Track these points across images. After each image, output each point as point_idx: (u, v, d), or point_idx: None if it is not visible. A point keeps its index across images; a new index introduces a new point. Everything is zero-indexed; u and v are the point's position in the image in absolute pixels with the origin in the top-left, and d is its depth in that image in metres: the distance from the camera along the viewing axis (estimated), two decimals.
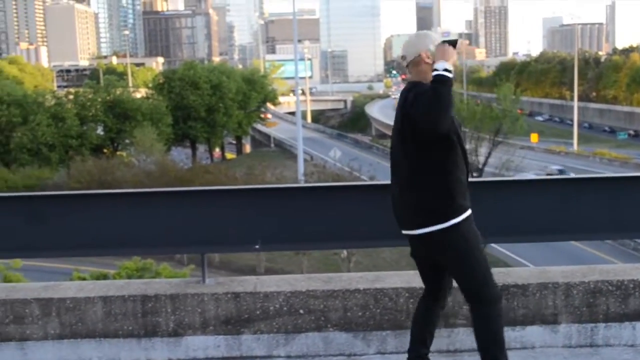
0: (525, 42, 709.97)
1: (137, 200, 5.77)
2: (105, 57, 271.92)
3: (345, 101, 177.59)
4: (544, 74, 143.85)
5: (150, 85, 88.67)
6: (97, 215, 5.55)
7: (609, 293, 5.11)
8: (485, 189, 5.71)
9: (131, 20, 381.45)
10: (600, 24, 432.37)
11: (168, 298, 5.08)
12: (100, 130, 70.81)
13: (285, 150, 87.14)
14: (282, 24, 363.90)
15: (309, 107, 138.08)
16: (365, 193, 5.92)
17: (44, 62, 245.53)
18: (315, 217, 5.51)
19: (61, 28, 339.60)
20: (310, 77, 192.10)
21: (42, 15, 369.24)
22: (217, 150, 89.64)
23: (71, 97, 73.06)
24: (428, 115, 3.74)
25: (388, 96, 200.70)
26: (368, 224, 5.48)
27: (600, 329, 5.12)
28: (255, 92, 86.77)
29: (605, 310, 5.11)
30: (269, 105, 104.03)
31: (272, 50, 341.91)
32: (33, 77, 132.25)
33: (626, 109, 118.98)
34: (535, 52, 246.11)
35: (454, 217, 3.96)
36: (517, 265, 31.71)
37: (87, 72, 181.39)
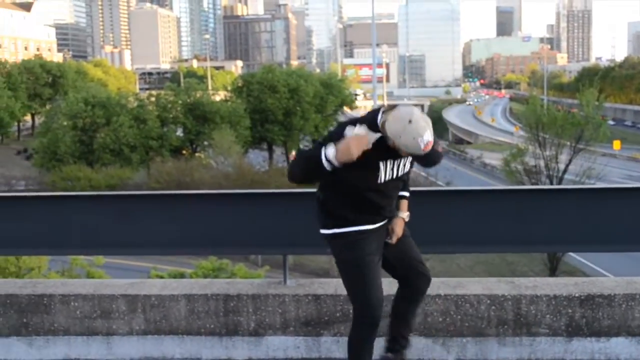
0: (609, 46, 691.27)
1: (221, 201, 5.85)
2: (186, 60, 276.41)
3: (422, 106, 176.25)
4: (628, 79, 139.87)
5: (229, 88, 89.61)
6: (181, 215, 5.66)
7: None
8: (566, 196, 5.64)
9: (212, 25, 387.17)
10: None
11: (250, 298, 5.14)
12: (180, 132, 71.97)
13: None
14: (360, 28, 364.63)
15: None
16: (441, 198, 5.87)
17: (127, 65, 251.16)
18: None
19: (144, 32, 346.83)
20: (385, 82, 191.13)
21: (126, 20, 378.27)
22: (294, 153, 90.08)
23: (152, 99, 74.19)
24: (290, 167, 4.04)
25: (465, 101, 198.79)
26: (444, 229, 5.46)
27: None
28: (332, 96, 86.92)
29: None
30: (345, 109, 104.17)
31: (350, 54, 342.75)
32: (117, 80, 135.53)
33: None
34: (620, 57, 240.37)
35: (333, 228, 4.11)
36: (595, 275, 30.98)
37: (169, 75, 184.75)
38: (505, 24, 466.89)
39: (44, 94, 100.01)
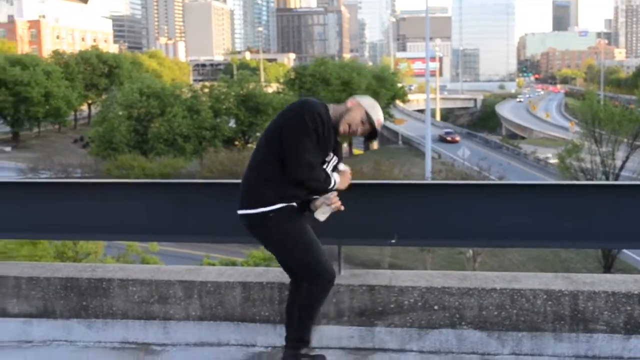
0: None
1: None
2: (239, 52, 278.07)
3: (475, 100, 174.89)
4: None
5: (281, 80, 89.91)
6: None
7: None
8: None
9: (265, 17, 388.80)
10: None
11: None
12: (232, 123, 72.34)
13: (412, 148, 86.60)
14: (413, 22, 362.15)
15: (438, 105, 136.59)
16: (494, 192, 5.81)
17: (182, 57, 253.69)
18: (446, 215, 5.47)
19: (198, 24, 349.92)
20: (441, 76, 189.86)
21: (181, 12, 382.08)
22: (345, 145, 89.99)
23: (206, 90, 74.75)
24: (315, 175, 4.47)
25: (518, 95, 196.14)
26: (497, 224, 5.42)
27: None
28: (384, 89, 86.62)
29: None
30: (398, 102, 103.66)
31: (403, 48, 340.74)
32: (171, 71, 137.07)
33: None
34: None
35: (279, 203, 4.40)
36: None
37: (222, 67, 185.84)
38: (562, 18, 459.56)
39: (100, 84, 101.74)
